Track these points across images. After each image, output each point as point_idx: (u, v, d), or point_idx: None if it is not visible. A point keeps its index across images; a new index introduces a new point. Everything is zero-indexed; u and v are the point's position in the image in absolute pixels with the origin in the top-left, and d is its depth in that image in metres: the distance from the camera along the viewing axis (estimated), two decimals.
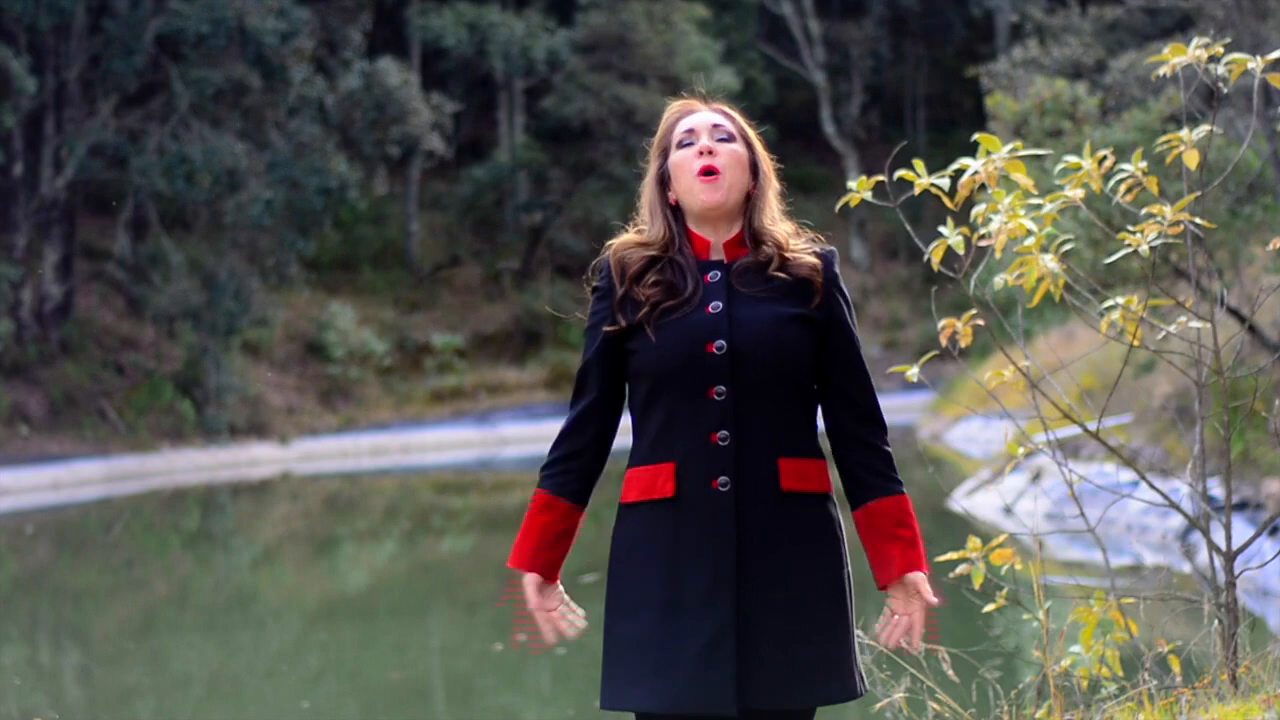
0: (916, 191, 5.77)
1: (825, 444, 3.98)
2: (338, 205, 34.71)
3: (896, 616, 3.93)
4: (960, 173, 5.72)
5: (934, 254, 5.77)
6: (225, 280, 32.99)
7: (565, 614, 3.95)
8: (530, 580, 3.92)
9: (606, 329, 3.91)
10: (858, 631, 4.02)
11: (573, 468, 3.95)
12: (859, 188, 5.74)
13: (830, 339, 3.92)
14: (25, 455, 30.77)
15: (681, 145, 3.96)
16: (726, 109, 4.02)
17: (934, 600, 3.94)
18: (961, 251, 5.75)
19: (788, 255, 3.91)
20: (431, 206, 42.20)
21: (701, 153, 3.92)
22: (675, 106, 4.04)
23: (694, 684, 3.79)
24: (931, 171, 5.72)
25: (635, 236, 3.98)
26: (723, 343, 3.84)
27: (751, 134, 4.00)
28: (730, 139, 3.95)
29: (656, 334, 3.85)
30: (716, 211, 3.93)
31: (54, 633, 17.94)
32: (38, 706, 13.02)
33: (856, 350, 3.94)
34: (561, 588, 3.98)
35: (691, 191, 3.92)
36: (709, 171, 3.92)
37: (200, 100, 32.80)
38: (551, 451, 3.96)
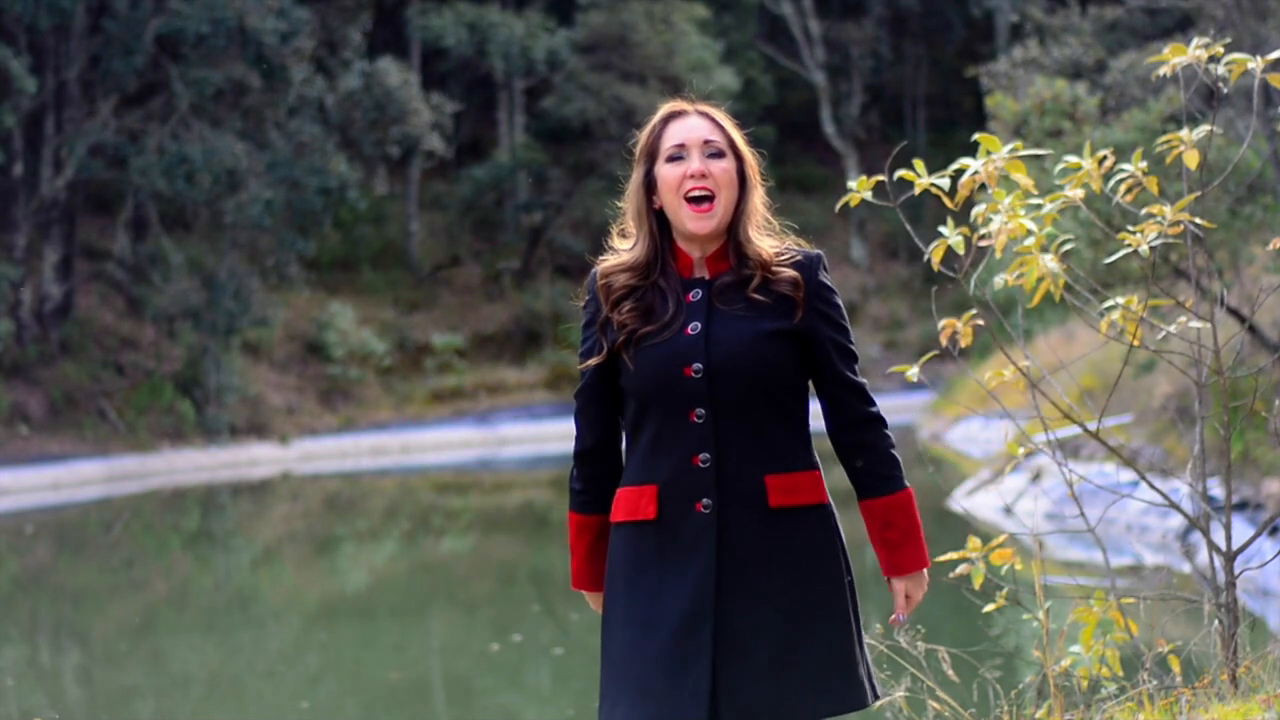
0: (916, 191, 5.77)
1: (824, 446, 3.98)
2: (338, 205, 34.70)
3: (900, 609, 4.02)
4: (960, 173, 5.72)
5: (934, 254, 5.77)
6: (225, 280, 32.99)
7: None
8: (594, 598, 4.07)
9: (591, 362, 3.93)
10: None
11: (594, 485, 4.01)
12: (859, 188, 5.74)
13: (816, 350, 3.91)
14: (25, 455, 30.77)
15: (671, 159, 3.93)
16: (714, 114, 3.97)
17: (895, 617, 4.02)
18: (961, 251, 5.75)
19: (769, 273, 3.90)
20: (431, 206, 42.19)
21: (693, 175, 3.90)
22: (661, 110, 4.00)
23: (668, 702, 3.81)
24: (931, 171, 5.72)
25: (621, 259, 3.97)
26: (699, 365, 3.84)
27: (739, 139, 3.96)
28: (720, 154, 3.92)
29: (636, 359, 3.86)
30: (707, 238, 3.93)
31: (54, 633, 17.94)
32: (38, 706, 13.02)
33: (845, 356, 3.93)
34: None
35: (679, 216, 3.91)
36: (701, 198, 3.90)
37: (200, 100, 32.80)
38: (575, 469, 4.03)
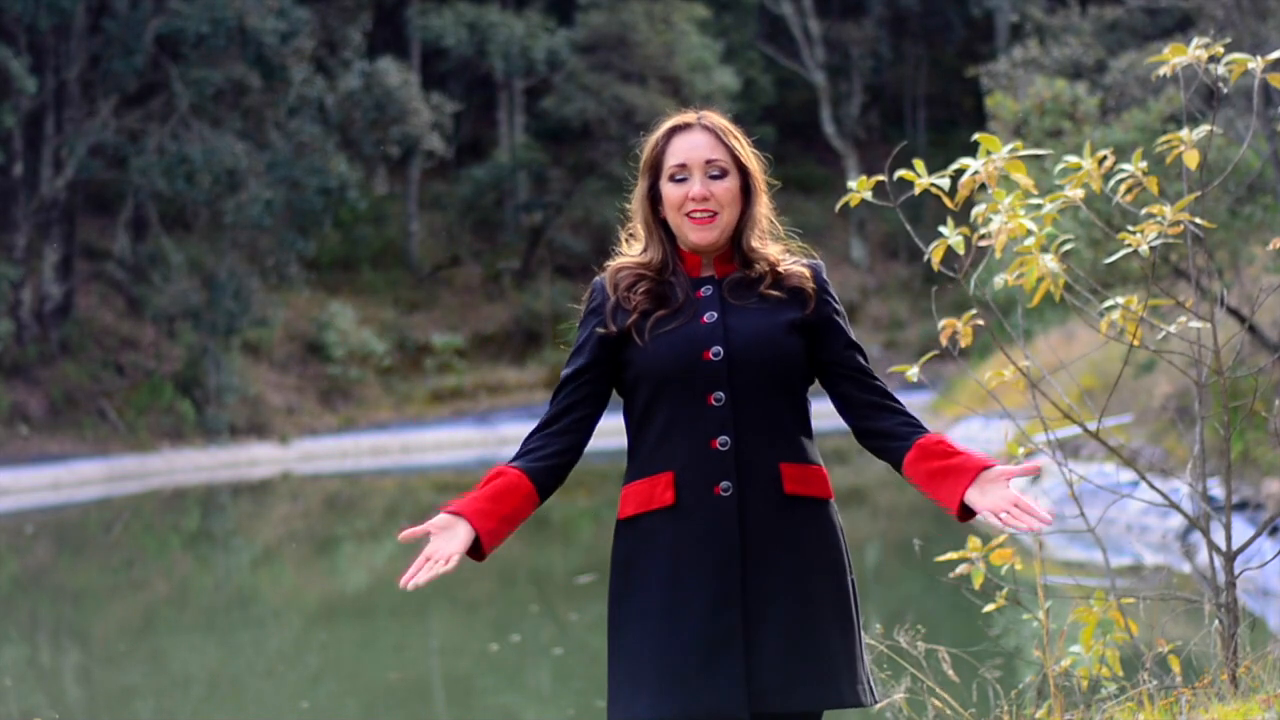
0: (916, 191, 5.78)
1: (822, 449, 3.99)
2: (338, 205, 34.70)
3: (1004, 513, 3.77)
4: (960, 173, 5.72)
5: (934, 254, 5.78)
6: (225, 280, 32.99)
7: (441, 563, 3.88)
8: (441, 518, 3.90)
9: (600, 331, 3.91)
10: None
11: (541, 453, 3.92)
12: (859, 188, 5.75)
13: (827, 335, 3.94)
14: (25, 455, 30.77)
15: (674, 179, 3.94)
16: (717, 126, 3.98)
17: (1036, 466, 3.90)
18: (961, 251, 5.75)
19: (779, 271, 3.94)
20: (431, 206, 42.20)
21: (694, 198, 3.91)
22: (666, 124, 3.99)
23: (703, 688, 3.79)
24: (931, 171, 5.72)
25: (631, 260, 3.98)
26: (719, 349, 3.86)
27: (743, 150, 3.96)
28: (723, 175, 3.93)
29: (651, 343, 3.86)
30: (710, 247, 3.95)
31: (54, 633, 17.94)
32: (38, 706, 13.02)
33: (852, 337, 3.98)
34: (465, 534, 3.88)
35: (682, 230, 3.94)
36: (704, 216, 3.92)
37: (200, 100, 32.80)
38: (525, 442, 3.95)
